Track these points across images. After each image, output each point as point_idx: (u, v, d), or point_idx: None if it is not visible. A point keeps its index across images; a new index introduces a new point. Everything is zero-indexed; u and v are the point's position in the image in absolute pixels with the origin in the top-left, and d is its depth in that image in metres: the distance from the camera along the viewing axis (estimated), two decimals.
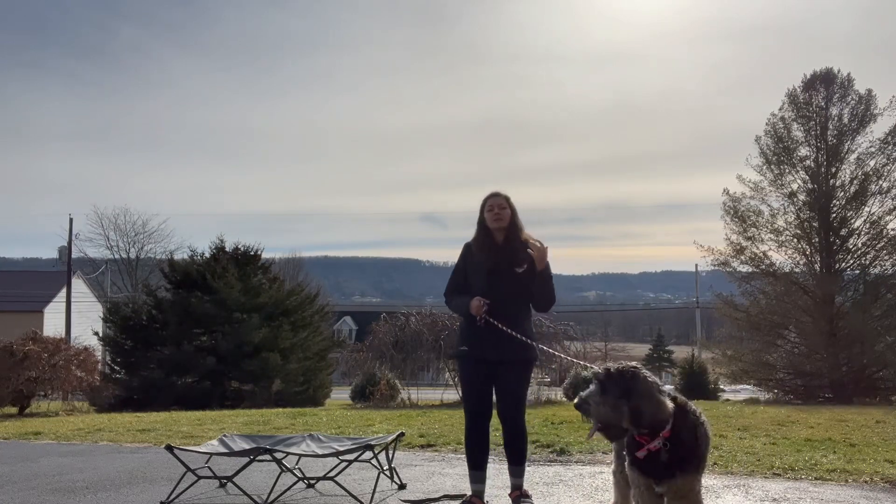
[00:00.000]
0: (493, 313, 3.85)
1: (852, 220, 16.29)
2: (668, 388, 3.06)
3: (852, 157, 16.36)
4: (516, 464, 3.97)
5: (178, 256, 28.26)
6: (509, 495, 4.00)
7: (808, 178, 16.63)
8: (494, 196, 4.06)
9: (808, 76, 16.89)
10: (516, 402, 3.93)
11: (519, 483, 3.96)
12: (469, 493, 4.04)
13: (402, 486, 4.60)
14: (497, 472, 4.78)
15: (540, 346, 3.93)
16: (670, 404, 2.77)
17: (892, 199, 15.91)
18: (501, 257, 3.96)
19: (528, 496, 3.98)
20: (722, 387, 17.82)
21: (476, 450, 3.99)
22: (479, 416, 3.98)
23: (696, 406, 2.92)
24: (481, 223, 4.07)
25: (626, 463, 2.95)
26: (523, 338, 3.85)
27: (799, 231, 16.68)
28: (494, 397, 4.04)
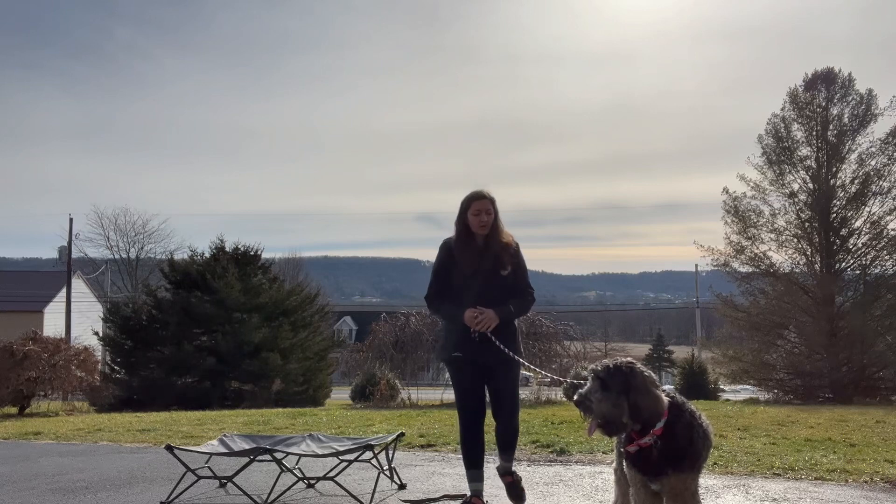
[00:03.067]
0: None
1: (853, 220, 16.29)
2: (668, 388, 3.06)
3: (853, 157, 16.38)
4: (507, 450, 4.07)
5: (178, 256, 28.26)
6: (502, 478, 4.06)
7: (808, 177, 16.63)
8: (479, 199, 3.91)
9: (810, 76, 16.89)
10: (511, 401, 4.01)
11: (509, 467, 4.05)
12: (468, 493, 4.06)
13: (402, 486, 4.60)
14: (488, 470, 4.77)
15: (525, 361, 3.96)
16: (666, 399, 2.79)
17: (893, 199, 15.92)
18: (485, 260, 3.90)
19: (518, 477, 4.08)
20: (722, 387, 17.81)
21: (474, 450, 4.02)
22: (475, 417, 4.02)
23: (696, 407, 2.92)
24: (463, 223, 3.95)
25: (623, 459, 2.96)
26: (513, 354, 3.88)
27: (799, 231, 16.67)
28: (487, 397, 4.11)
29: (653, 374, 2.84)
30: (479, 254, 3.91)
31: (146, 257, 43.36)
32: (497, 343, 3.82)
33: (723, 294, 17.91)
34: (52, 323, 31.12)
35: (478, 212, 3.89)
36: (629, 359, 2.87)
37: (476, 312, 3.81)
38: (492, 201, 3.92)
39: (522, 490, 4.05)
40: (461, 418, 4.06)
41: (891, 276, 16.04)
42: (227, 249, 20.21)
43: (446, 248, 4.03)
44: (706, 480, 4.66)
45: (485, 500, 4.01)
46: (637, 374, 2.76)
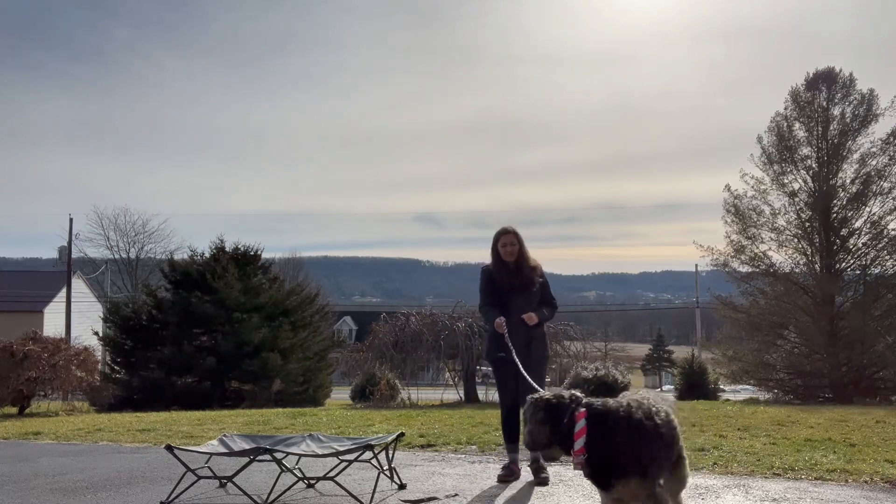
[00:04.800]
0: (513, 323, 4.84)
1: (853, 221, 16.28)
2: (572, 393, 3.03)
3: (854, 157, 16.36)
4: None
5: (178, 256, 28.18)
6: (529, 466, 4.87)
7: (809, 177, 16.62)
8: (505, 234, 5.05)
9: (811, 75, 16.86)
10: (532, 391, 4.64)
11: (536, 456, 4.71)
12: (507, 460, 4.94)
13: (402, 486, 4.60)
14: (487, 469, 4.77)
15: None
16: (543, 430, 2.92)
17: (893, 200, 15.91)
18: (516, 280, 5.02)
19: (544, 468, 4.77)
20: (722, 387, 17.83)
21: (511, 429, 5.00)
22: (512, 404, 4.93)
23: (634, 402, 2.88)
24: (496, 253, 5.06)
25: None
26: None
27: (799, 231, 16.67)
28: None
29: (552, 399, 2.97)
30: (512, 275, 5.02)
31: (146, 257, 43.31)
32: (514, 355, 4.66)
33: (721, 295, 17.91)
34: (52, 323, 31.12)
35: (504, 244, 5.03)
36: (562, 391, 3.05)
37: (504, 321, 4.81)
38: (516, 235, 5.05)
39: (545, 478, 4.70)
40: (502, 406, 5.14)
41: (891, 276, 16.03)
42: (227, 249, 20.19)
43: (486, 272, 5.16)
44: (706, 480, 4.66)
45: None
46: (528, 407, 3.04)
